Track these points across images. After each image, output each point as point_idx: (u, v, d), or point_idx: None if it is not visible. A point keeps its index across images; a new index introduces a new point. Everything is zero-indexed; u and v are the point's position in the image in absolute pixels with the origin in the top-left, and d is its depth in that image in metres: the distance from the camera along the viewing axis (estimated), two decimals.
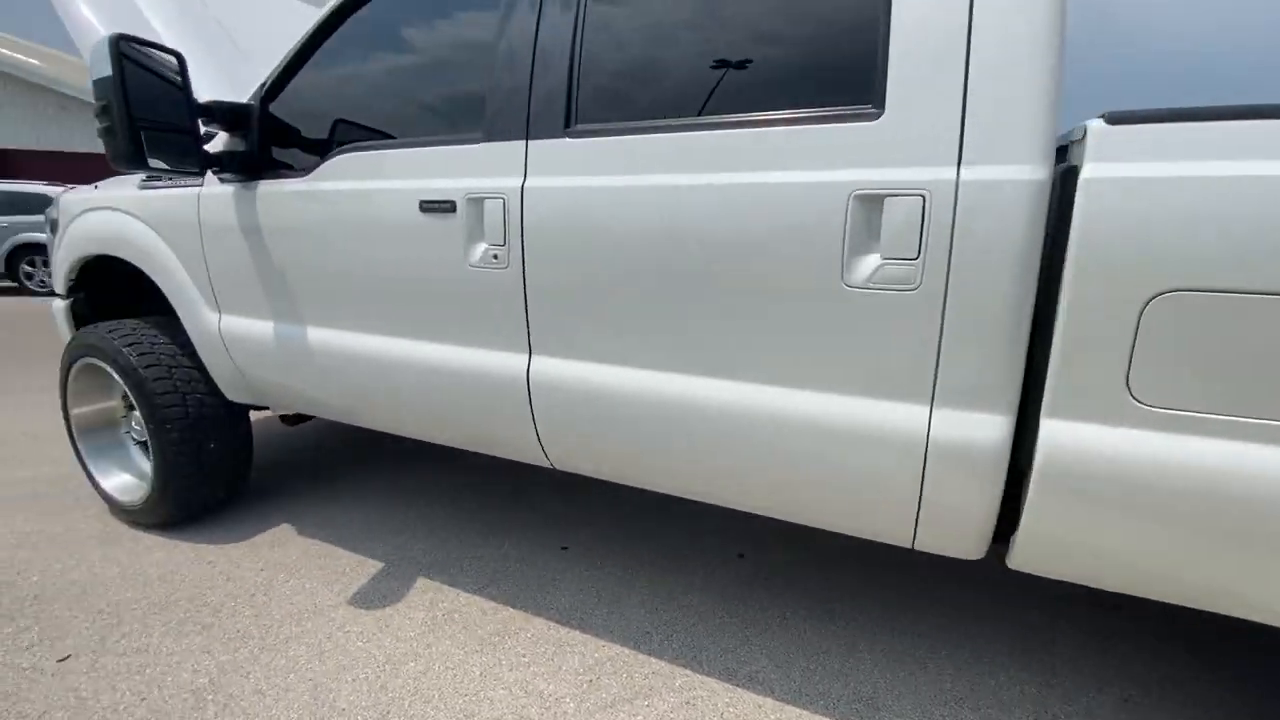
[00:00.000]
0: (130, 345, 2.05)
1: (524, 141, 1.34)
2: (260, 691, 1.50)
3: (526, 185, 1.33)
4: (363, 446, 3.10)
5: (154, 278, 2.01)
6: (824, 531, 1.38)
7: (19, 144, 13.72)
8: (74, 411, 2.31)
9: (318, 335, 1.71)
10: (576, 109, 1.30)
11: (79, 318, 2.40)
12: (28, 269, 8.85)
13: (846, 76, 1.07)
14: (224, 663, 1.59)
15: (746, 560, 2.10)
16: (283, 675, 1.55)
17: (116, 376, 2.07)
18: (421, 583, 1.95)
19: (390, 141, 1.54)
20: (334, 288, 1.64)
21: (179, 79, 1.54)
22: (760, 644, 1.69)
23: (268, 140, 1.74)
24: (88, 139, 13.95)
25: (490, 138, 1.38)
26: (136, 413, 2.24)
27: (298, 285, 1.71)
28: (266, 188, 1.72)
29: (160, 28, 2.11)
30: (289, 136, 1.73)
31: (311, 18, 2.83)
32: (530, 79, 1.34)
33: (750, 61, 1.16)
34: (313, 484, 2.65)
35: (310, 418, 2.48)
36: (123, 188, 2.10)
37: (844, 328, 1.08)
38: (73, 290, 2.34)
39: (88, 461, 2.31)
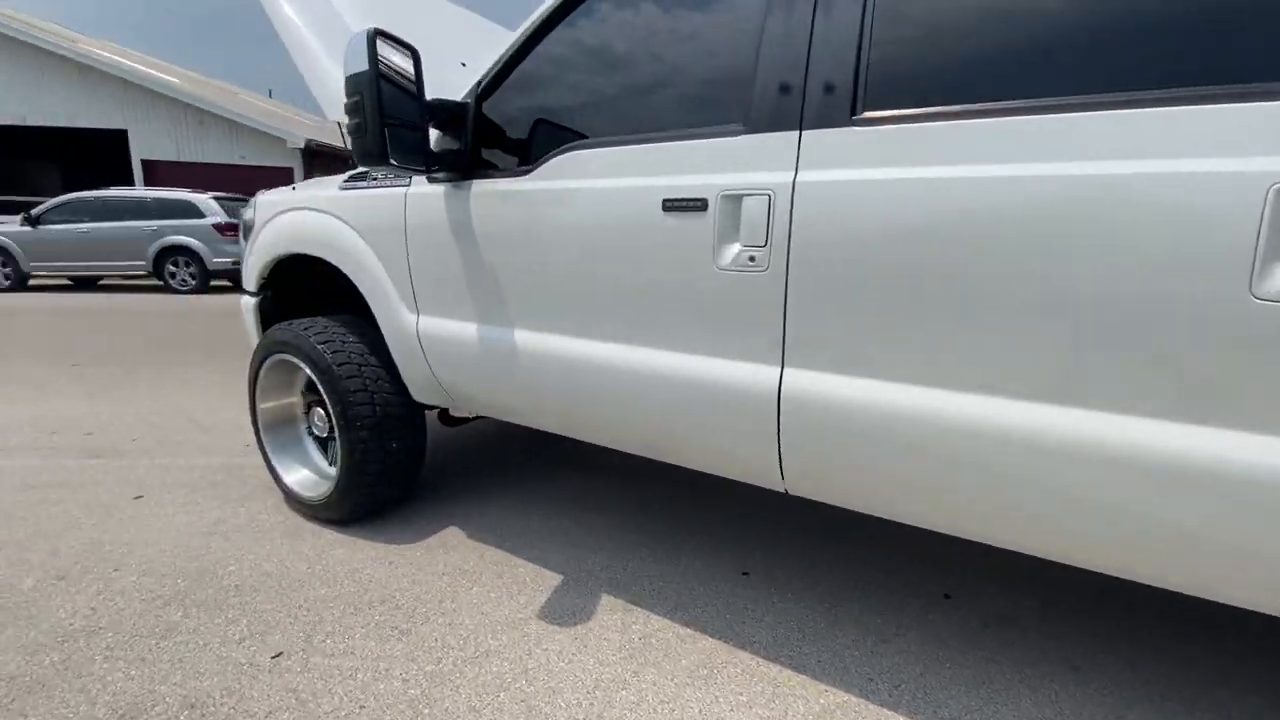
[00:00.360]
0: (324, 343, 2.08)
1: (796, 133, 1.22)
2: (475, 709, 1.44)
3: (799, 180, 1.20)
4: (521, 450, 3.08)
5: (352, 277, 2.03)
6: (1043, 578, 1.17)
7: (162, 155, 15.13)
8: (261, 406, 2.38)
9: (528, 339, 1.65)
10: (865, 94, 1.16)
11: (264, 315, 2.49)
12: (171, 269, 9.66)
13: None
14: (431, 673, 1.55)
15: (955, 602, 1.89)
16: (493, 693, 1.49)
17: (310, 373, 2.10)
18: (607, 600, 1.85)
19: (626, 137, 1.45)
20: (551, 290, 1.57)
21: (414, 75, 1.52)
22: (1010, 710, 1.48)
23: (481, 139, 1.71)
24: (220, 150, 15.25)
25: (752, 129, 1.27)
26: (318, 410, 2.29)
27: (509, 287, 1.65)
28: (481, 187, 1.68)
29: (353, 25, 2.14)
30: (504, 135, 1.69)
31: (459, 17, 2.86)
32: (806, 63, 1.21)
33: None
34: (474, 487, 2.64)
35: (470, 420, 2.46)
36: (322, 189, 2.15)
37: (1250, 343, 0.88)
38: (262, 289, 2.42)
39: (271, 455, 2.38)
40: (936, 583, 1.97)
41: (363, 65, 1.38)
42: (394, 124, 1.45)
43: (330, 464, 2.40)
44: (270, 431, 2.40)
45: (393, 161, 1.46)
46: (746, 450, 1.38)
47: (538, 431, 3.20)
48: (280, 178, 15.44)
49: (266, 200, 2.35)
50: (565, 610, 1.80)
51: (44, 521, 2.27)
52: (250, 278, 2.42)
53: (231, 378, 4.47)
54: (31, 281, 10.09)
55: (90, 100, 14.72)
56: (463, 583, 1.93)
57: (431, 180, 1.79)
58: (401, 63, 1.50)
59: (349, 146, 2.54)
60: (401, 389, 2.12)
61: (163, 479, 2.67)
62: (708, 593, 1.91)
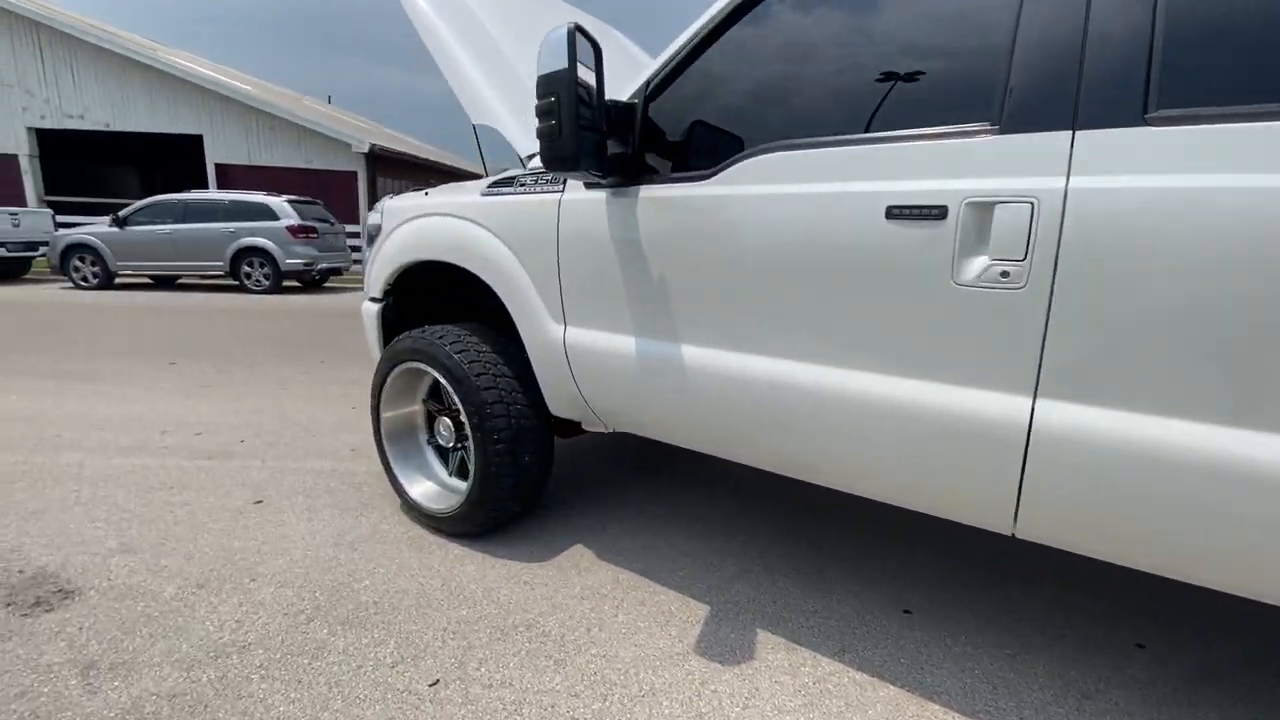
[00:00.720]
0: (460, 352, 2.01)
1: (1068, 133, 1.07)
2: None
3: (1073, 187, 1.05)
4: (633, 464, 2.99)
5: (493, 286, 1.96)
6: (1238, 627, 0.97)
7: (234, 159, 15.73)
8: (385, 415, 2.34)
9: (699, 356, 1.54)
10: (1162, 88, 1.01)
11: (385, 322, 2.45)
12: (247, 269, 9.99)
13: None
14: (599, 712, 1.44)
15: (1152, 653, 1.69)
16: None
17: (444, 383, 2.04)
18: (765, 637, 1.72)
19: (832, 139, 1.32)
20: (734, 305, 1.45)
21: (594, 74, 1.43)
22: None
23: (648, 142, 1.60)
24: (289, 154, 15.76)
25: (1009, 128, 1.12)
26: (444, 419, 2.23)
27: (680, 301, 1.54)
28: (650, 193, 1.58)
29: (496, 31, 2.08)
30: (676, 137, 1.58)
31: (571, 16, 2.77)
32: (1080, 50, 1.06)
33: None
34: (592, 502, 2.55)
35: (583, 432, 2.36)
36: (459, 195, 2.09)
37: None
38: (386, 294, 2.38)
39: (394, 465, 2.33)
40: (1125, 631, 1.78)
41: (560, 63, 1.29)
42: (582, 127, 1.36)
43: (450, 474, 2.34)
44: (393, 441, 2.36)
45: (582, 168, 1.37)
46: (974, 489, 1.23)
47: (649, 445, 3.11)
48: (344, 181, 15.88)
49: (395, 206, 2.31)
50: (723, 645, 1.68)
51: (173, 525, 2.27)
52: (375, 283, 2.38)
53: (318, 379, 4.52)
54: (117, 280, 10.57)
55: (169, 107, 15.41)
56: (605, 609, 1.83)
57: (590, 186, 1.70)
58: (582, 59, 1.41)
59: (483, 152, 2.50)
60: (535, 401, 2.04)
61: (278, 483, 2.66)
62: (872, 632, 1.76)
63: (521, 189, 1.87)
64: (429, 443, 2.41)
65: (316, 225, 10.31)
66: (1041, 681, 1.58)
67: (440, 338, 2.06)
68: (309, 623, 1.74)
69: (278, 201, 10.02)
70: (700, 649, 1.66)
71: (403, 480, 2.30)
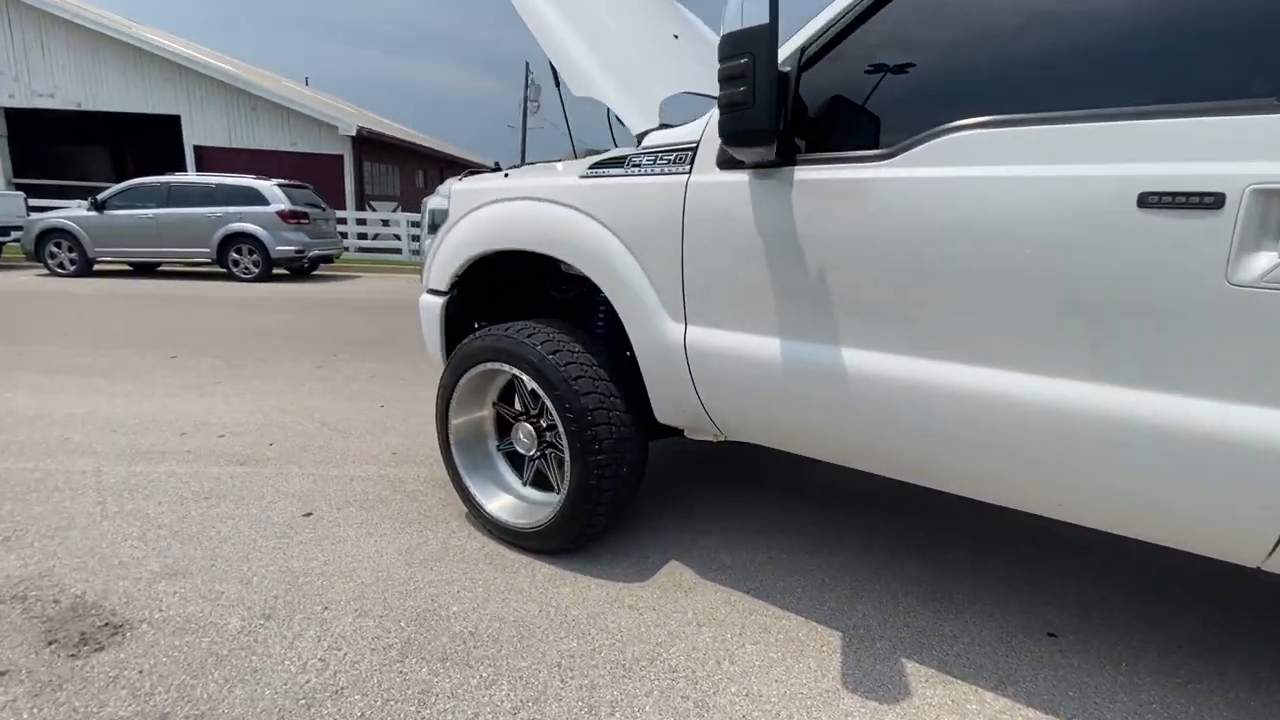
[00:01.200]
0: (554, 353, 1.81)
1: None
2: None
3: None
4: (710, 470, 2.81)
5: (595, 279, 1.75)
6: None
7: (214, 141, 15.10)
8: (455, 421, 2.12)
9: (865, 361, 1.36)
10: None
11: (448, 318, 2.22)
12: (235, 256, 9.56)
13: None
14: None
15: None
16: None
17: (537, 389, 1.84)
18: (913, 668, 1.56)
19: (1068, 114, 1.13)
20: (919, 304, 1.27)
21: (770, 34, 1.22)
22: None
23: (802, 117, 1.41)
24: (272, 137, 15.17)
25: None
26: (524, 426, 2.02)
27: (844, 297, 1.36)
28: (807, 175, 1.38)
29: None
30: (839, 111, 1.39)
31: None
32: None
33: None
34: (673, 512, 2.36)
35: (669, 436, 2.17)
36: (552, 176, 1.87)
37: None
38: (453, 287, 2.16)
39: (466, 477, 2.12)
40: None
41: (761, 17, 1.09)
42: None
43: (525, 484, 2.14)
44: (463, 449, 2.15)
45: (776, 144, 1.16)
46: (1237, 517, 1.08)
47: (721, 449, 2.92)
48: (330, 165, 15.35)
49: (467, 189, 2.08)
50: (872, 680, 1.52)
51: (219, 543, 2.04)
52: (439, 274, 2.15)
53: (336, 374, 4.26)
54: (96, 267, 10.06)
55: (145, 85, 14.72)
56: (729, 637, 1.66)
57: (726, 167, 1.50)
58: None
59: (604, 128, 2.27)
60: (632, 406, 1.85)
61: (324, 493, 2.44)
62: (1024, 660, 1.61)
63: (636, 170, 1.66)
64: (499, 450, 2.20)
65: (308, 210, 9.90)
66: (1225, 716, 1.45)
67: (529, 336, 1.85)
68: (403, 660, 1.54)
69: (267, 185, 9.59)
70: (850, 685, 1.50)
71: (477, 493, 2.09)
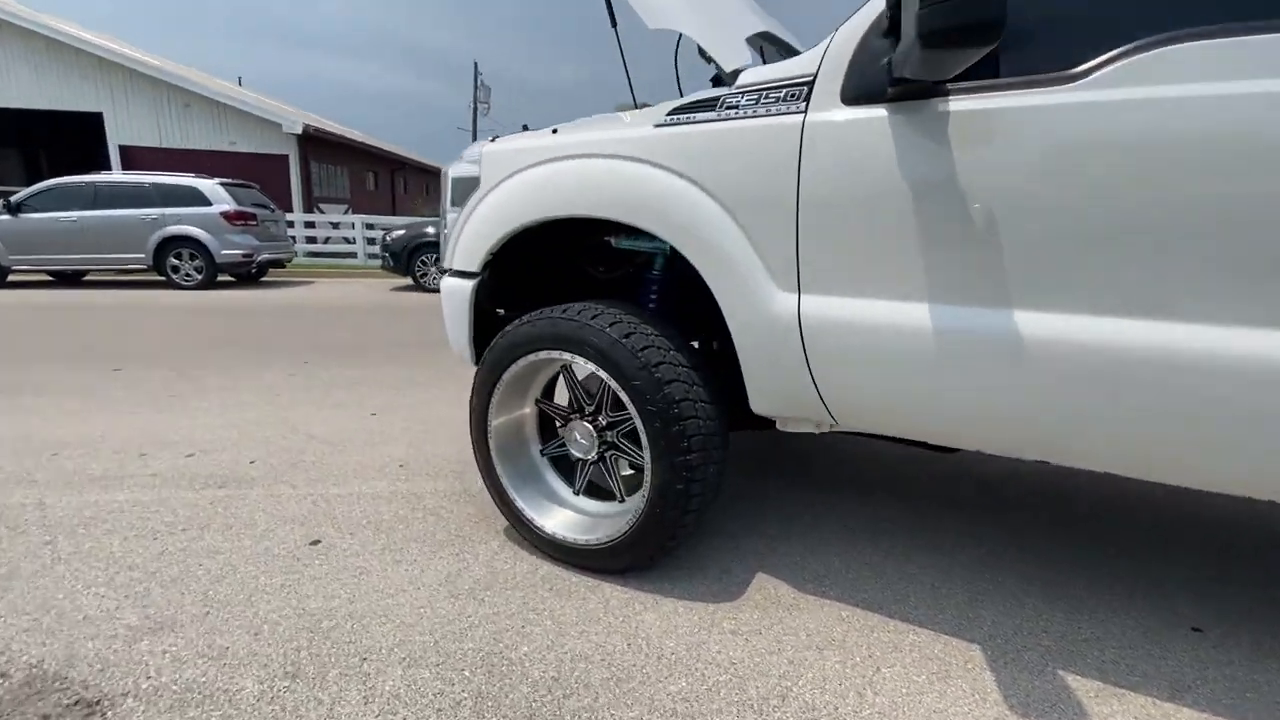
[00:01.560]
0: (627, 335, 1.53)
1: None
2: None
3: None
4: (762, 467, 2.56)
5: (681, 246, 1.48)
6: None
7: (142, 141, 14.00)
8: (495, 423, 1.81)
9: (1055, 327, 1.13)
10: None
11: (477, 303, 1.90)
12: (174, 262, 8.78)
13: None
14: None
15: None
16: None
17: (611, 381, 1.55)
18: (1076, 682, 1.35)
19: None
20: (1142, 252, 1.05)
21: None
22: None
23: None
24: (208, 136, 14.17)
25: None
26: (581, 425, 1.73)
27: (1029, 248, 1.13)
28: (966, 105, 1.15)
29: None
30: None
31: None
32: None
33: None
34: (736, 513, 2.11)
35: (748, 429, 1.91)
36: (616, 128, 1.59)
37: None
38: (486, 266, 1.84)
39: (513, 490, 1.81)
40: None
41: None
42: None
43: (577, 493, 1.85)
44: (505, 457, 1.83)
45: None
46: None
47: (768, 440, 2.66)
48: (275, 166, 14.47)
49: (504, 150, 1.77)
50: (1040, 702, 1.29)
51: (211, 585, 1.67)
52: (470, 253, 1.83)
53: (312, 381, 3.83)
54: (10, 278, 9.08)
55: (60, 80, 13.50)
56: (858, 661, 1.41)
57: (854, 102, 1.26)
58: None
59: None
60: (715, 396, 1.58)
61: (329, 515, 2.07)
62: (1183, 662, 1.42)
63: (732, 112, 1.40)
64: (544, 454, 1.90)
65: (255, 211, 9.20)
66: None
67: (595, 317, 1.57)
68: None
69: (209, 185, 8.85)
70: (1017, 708, 1.27)
71: (529, 510, 1.78)
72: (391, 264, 9.31)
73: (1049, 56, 1.12)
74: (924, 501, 2.24)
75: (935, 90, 1.18)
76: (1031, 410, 1.19)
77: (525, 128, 1.99)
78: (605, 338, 1.53)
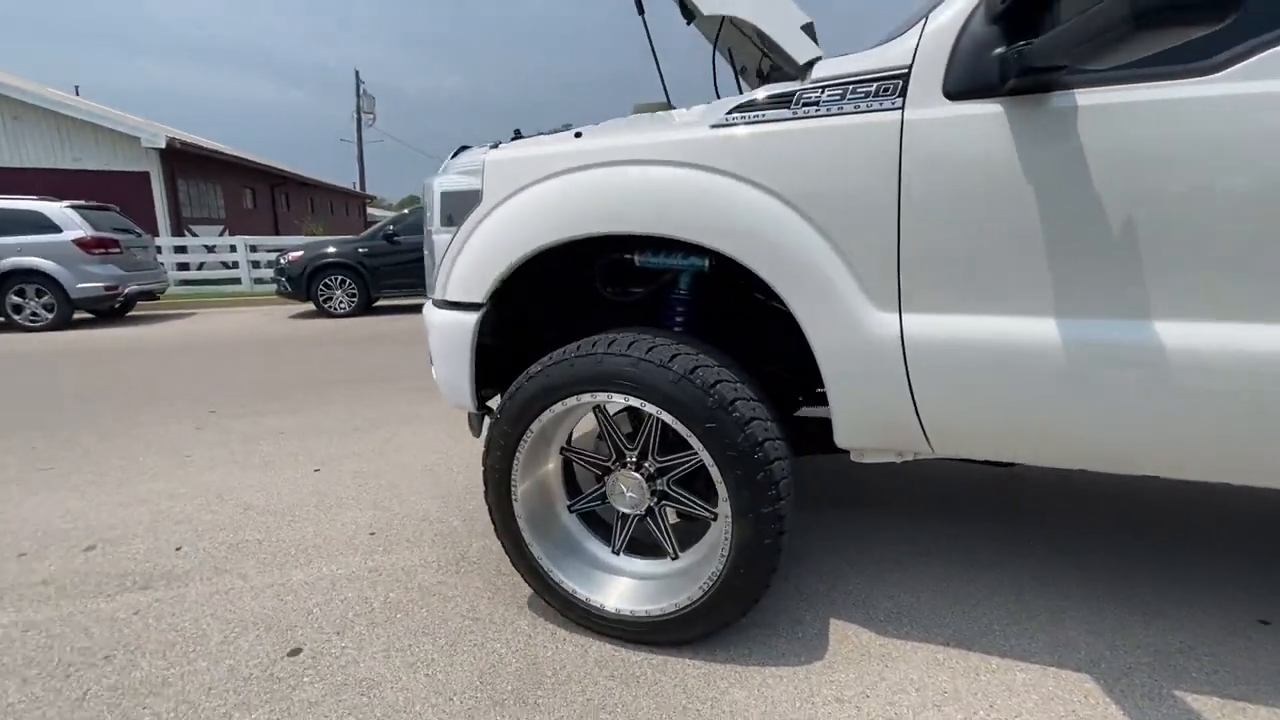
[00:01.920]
0: (692, 371, 1.31)
1: None
2: None
3: None
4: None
5: (751, 263, 1.28)
6: None
7: None
8: (523, 487, 1.52)
9: (1208, 336, 1.04)
10: None
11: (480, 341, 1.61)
12: (16, 300, 7.43)
13: None
14: None
15: None
16: None
17: (679, 425, 1.31)
18: (1197, 701, 1.28)
19: None
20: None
21: None
22: None
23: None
24: (46, 153, 12.28)
25: None
26: (628, 477, 1.49)
27: (1174, 254, 1.03)
28: (1093, 99, 1.04)
29: None
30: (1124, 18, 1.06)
31: None
32: None
33: None
34: (792, 547, 1.93)
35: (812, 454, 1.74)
36: (664, 129, 1.36)
37: None
38: (491, 297, 1.55)
39: (556, 570, 1.52)
40: None
41: None
42: None
43: (617, 553, 1.60)
44: (537, 528, 1.54)
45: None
46: None
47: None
48: (133, 185, 12.77)
49: (512, 158, 1.49)
50: None
51: None
52: (472, 281, 1.53)
53: (227, 435, 3.26)
54: None
55: None
56: (980, 714, 1.27)
57: (962, 98, 1.12)
58: None
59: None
60: (786, 432, 1.40)
61: (302, 611, 1.68)
62: (1271, 659, 1.41)
63: (811, 110, 1.22)
64: (572, 511, 1.63)
65: (118, 237, 7.99)
66: None
67: (650, 350, 1.33)
68: None
69: (57, 209, 7.57)
70: None
71: (579, 588, 1.51)
72: (289, 289, 8.42)
73: (1182, 52, 1.02)
74: (953, 514, 2.17)
75: (1055, 84, 1.07)
76: (1199, 427, 1.09)
77: (517, 133, 1.72)
78: (667, 375, 1.30)
